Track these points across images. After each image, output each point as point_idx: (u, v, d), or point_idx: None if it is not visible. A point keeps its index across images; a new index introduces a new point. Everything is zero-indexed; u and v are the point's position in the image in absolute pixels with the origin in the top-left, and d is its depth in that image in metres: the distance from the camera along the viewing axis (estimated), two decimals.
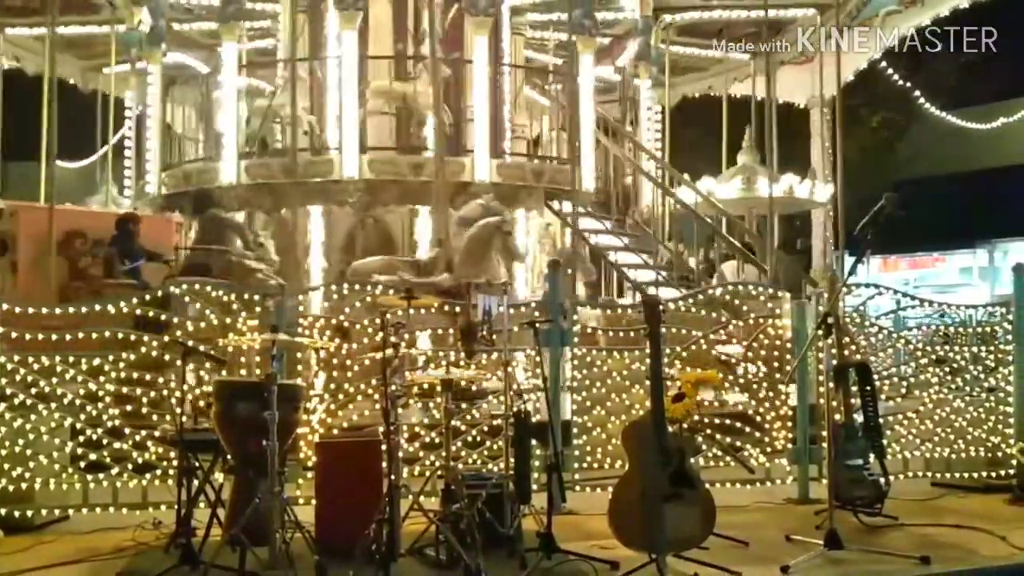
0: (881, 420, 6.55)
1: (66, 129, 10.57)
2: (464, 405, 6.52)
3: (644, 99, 13.56)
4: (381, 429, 5.33)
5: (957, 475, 7.41)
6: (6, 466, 6.12)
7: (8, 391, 6.18)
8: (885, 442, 6.62)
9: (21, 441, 6.14)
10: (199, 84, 13.36)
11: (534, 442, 6.05)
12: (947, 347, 7.57)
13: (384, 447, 5.33)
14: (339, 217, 11.64)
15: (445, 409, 5.45)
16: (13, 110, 14.07)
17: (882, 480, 6.16)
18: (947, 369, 7.48)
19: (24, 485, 6.15)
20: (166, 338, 6.31)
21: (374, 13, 11.93)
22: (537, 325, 5.87)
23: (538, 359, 6.20)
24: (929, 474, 7.47)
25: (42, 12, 13.53)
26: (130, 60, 13.38)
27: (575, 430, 6.79)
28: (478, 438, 6.66)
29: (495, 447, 6.52)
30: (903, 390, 7.53)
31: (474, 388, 6.69)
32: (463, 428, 6.59)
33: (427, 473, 6.20)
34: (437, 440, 6.37)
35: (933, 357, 7.49)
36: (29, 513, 6.12)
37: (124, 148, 14.30)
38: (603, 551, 5.27)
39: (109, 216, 11.36)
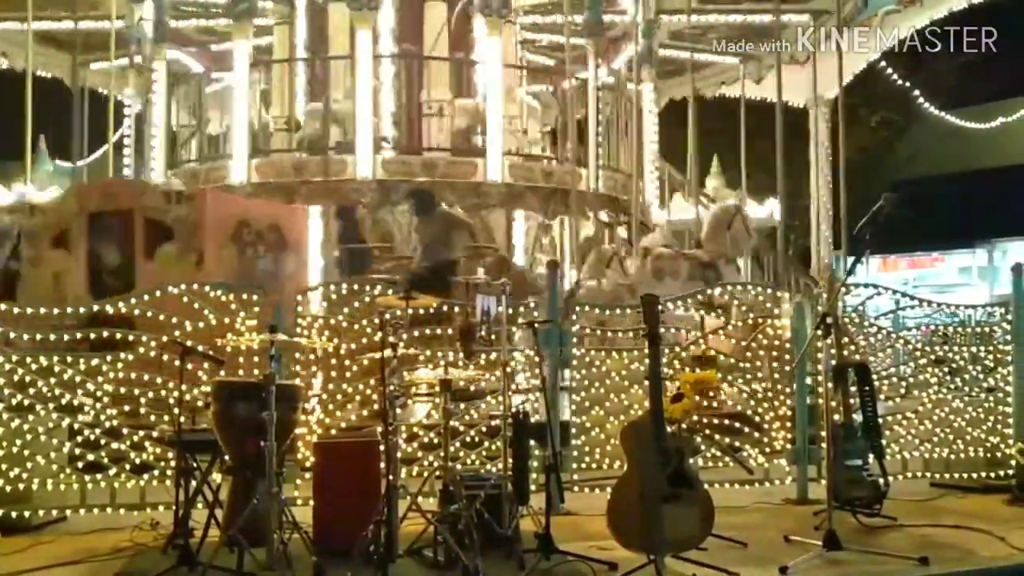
0: (880, 420, 6.54)
1: (61, 128, 10.57)
2: (463, 405, 6.50)
3: (647, 103, 13.56)
4: (379, 430, 5.33)
5: (956, 475, 7.40)
6: (4, 467, 6.10)
7: (6, 391, 6.17)
8: (884, 442, 6.62)
9: (19, 441, 6.13)
10: (190, 82, 13.37)
11: (532, 443, 6.04)
12: (946, 347, 7.56)
13: (382, 448, 5.33)
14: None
15: (444, 409, 5.44)
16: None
17: (881, 480, 6.16)
18: (946, 369, 7.47)
19: (22, 486, 6.14)
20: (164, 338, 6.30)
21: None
22: (536, 325, 5.87)
23: (537, 359, 6.20)
24: (928, 474, 7.46)
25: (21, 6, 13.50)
26: (130, 56, 13.31)
27: (574, 430, 6.78)
28: (476, 439, 6.65)
29: (493, 447, 6.51)
30: (902, 390, 7.52)
31: (472, 388, 6.67)
32: (461, 429, 6.58)
33: (425, 474, 6.20)
34: (435, 440, 6.37)
35: (932, 357, 7.49)
36: (27, 514, 6.11)
37: (123, 146, 14.30)
38: (602, 552, 5.26)
39: (270, 206, 10.50)
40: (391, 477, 5.01)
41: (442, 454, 5.49)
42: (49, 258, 9.13)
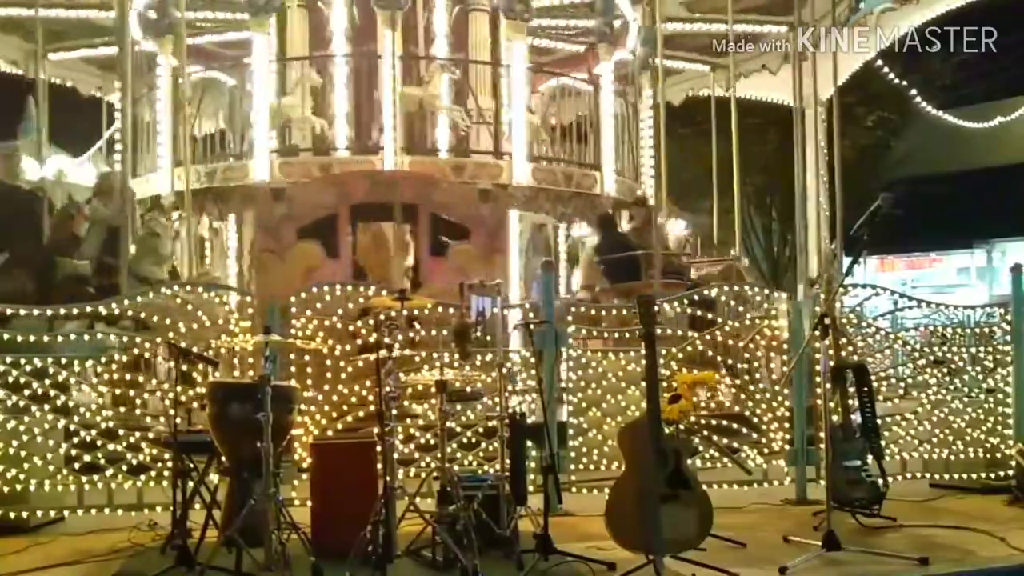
0: (879, 421, 6.53)
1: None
2: (459, 407, 6.49)
3: (645, 108, 13.53)
4: (376, 431, 5.32)
5: (956, 476, 7.40)
6: (1, 468, 6.10)
7: (1, 393, 6.16)
8: (883, 443, 6.61)
9: (15, 443, 6.13)
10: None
11: (530, 443, 6.03)
12: (945, 348, 7.55)
13: (379, 448, 5.32)
14: None
15: (440, 411, 5.43)
16: None
17: (880, 481, 6.15)
18: (946, 370, 7.47)
19: (19, 487, 6.14)
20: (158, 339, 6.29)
21: None
22: (531, 326, 5.86)
23: (533, 360, 6.18)
24: (927, 475, 7.46)
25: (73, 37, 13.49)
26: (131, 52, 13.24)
27: (571, 431, 6.77)
28: (473, 439, 6.64)
29: (491, 448, 6.50)
30: (901, 391, 7.51)
31: (468, 390, 6.66)
32: (458, 430, 6.57)
33: (423, 475, 6.19)
34: (432, 441, 6.36)
35: (931, 358, 7.48)
36: (24, 514, 6.12)
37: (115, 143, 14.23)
38: (600, 552, 5.26)
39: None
40: (388, 478, 5.00)
41: (439, 455, 5.48)
42: (300, 250, 8.27)
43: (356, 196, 8.71)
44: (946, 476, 7.43)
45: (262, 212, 8.76)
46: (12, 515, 6.06)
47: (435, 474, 5.71)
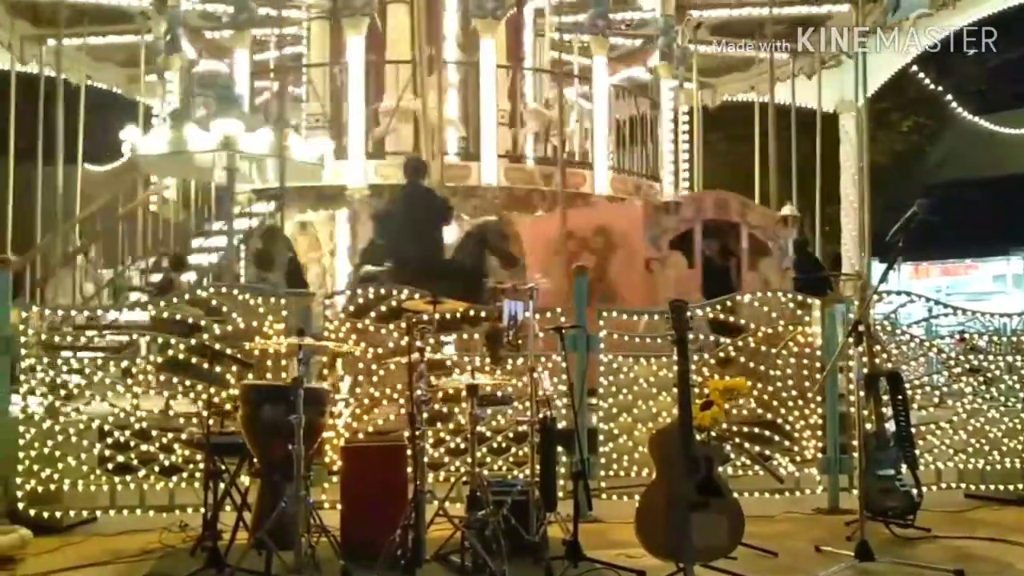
0: (913, 430, 6.45)
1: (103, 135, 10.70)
2: (490, 411, 6.48)
3: (666, 100, 13.45)
4: (406, 434, 5.32)
5: (992, 487, 7.29)
6: (35, 467, 6.18)
7: (38, 392, 6.24)
8: (917, 452, 6.53)
9: (50, 443, 6.20)
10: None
11: (560, 449, 6.01)
12: (980, 356, 7.45)
13: (409, 452, 5.32)
14: None
15: (470, 415, 5.42)
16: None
17: (914, 491, 6.07)
18: (981, 379, 7.36)
19: (53, 486, 6.21)
20: (192, 341, 6.34)
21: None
22: (563, 330, 5.84)
23: (564, 365, 6.17)
24: (963, 485, 7.35)
25: (79, 23, 13.82)
26: (157, 70, 13.55)
27: (601, 437, 6.74)
28: (503, 444, 6.63)
29: (520, 453, 6.49)
30: (935, 399, 7.41)
31: (499, 394, 6.65)
32: (488, 434, 6.56)
33: (452, 479, 6.19)
34: (462, 446, 6.35)
35: (967, 366, 7.38)
36: (58, 514, 6.17)
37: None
38: (629, 560, 5.22)
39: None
40: (418, 482, 4.99)
41: (469, 459, 5.47)
42: (673, 261, 9.59)
43: (706, 213, 9.93)
44: (982, 487, 7.31)
45: (650, 222, 9.80)
46: (46, 514, 6.12)
47: (465, 479, 5.70)
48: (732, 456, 6.73)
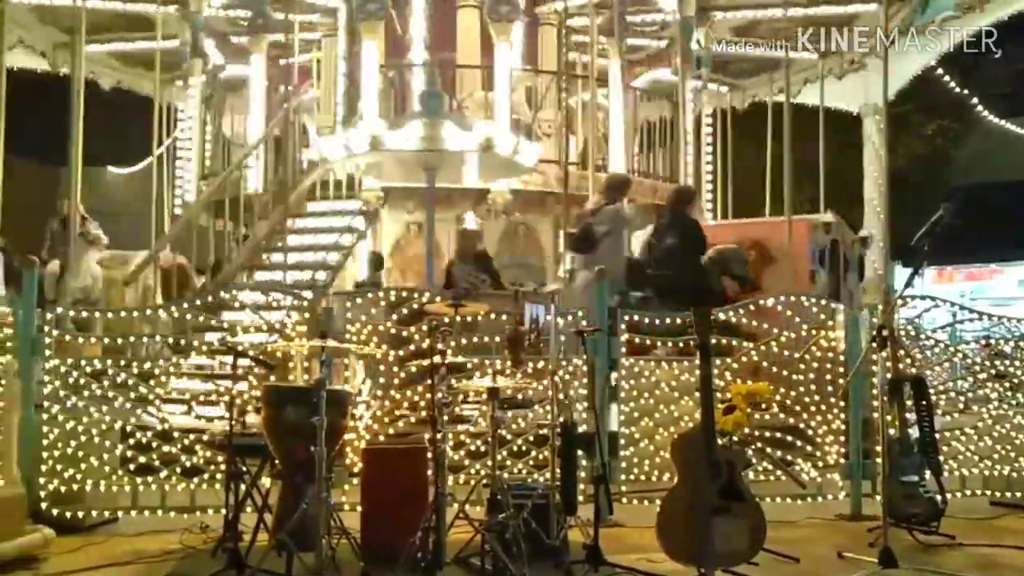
0: (937, 436, 6.38)
1: (128, 138, 10.78)
2: (511, 414, 6.47)
3: (688, 102, 13.38)
4: (427, 436, 5.32)
5: (1018, 494, 7.20)
6: (58, 467, 6.23)
7: (61, 393, 6.28)
8: (942, 458, 6.46)
9: (73, 443, 6.24)
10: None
11: (581, 453, 5.99)
12: (1006, 362, 7.36)
13: (430, 455, 5.31)
14: None
15: (491, 418, 5.42)
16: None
17: (938, 497, 6.01)
18: (1007, 385, 7.28)
19: (75, 487, 6.25)
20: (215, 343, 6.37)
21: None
22: (584, 334, 5.82)
23: (585, 369, 6.14)
24: (988, 492, 7.26)
25: (112, 29, 13.92)
26: (182, 74, 13.65)
27: (622, 441, 6.72)
28: (524, 448, 6.62)
29: (541, 457, 6.47)
30: (960, 405, 7.34)
31: (520, 397, 6.64)
32: (509, 437, 6.55)
33: (472, 482, 6.18)
34: (483, 449, 6.34)
35: (992, 372, 7.30)
36: (80, 514, 6.22)
37: (176, 157, 14.58)
38: (651, 564, 5.21)
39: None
40: (439, 485, 4.99)
41: (489, 463, 5.46)
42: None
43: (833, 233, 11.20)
44: (1007, 494, 7.22)
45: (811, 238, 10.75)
46: (68, 514, 6.16)
47: (485, 482, 5.70)
48: (754, 461, 6.69)
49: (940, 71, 14.81)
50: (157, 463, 6.33)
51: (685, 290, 8.44)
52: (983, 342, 8.03)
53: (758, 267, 10.25)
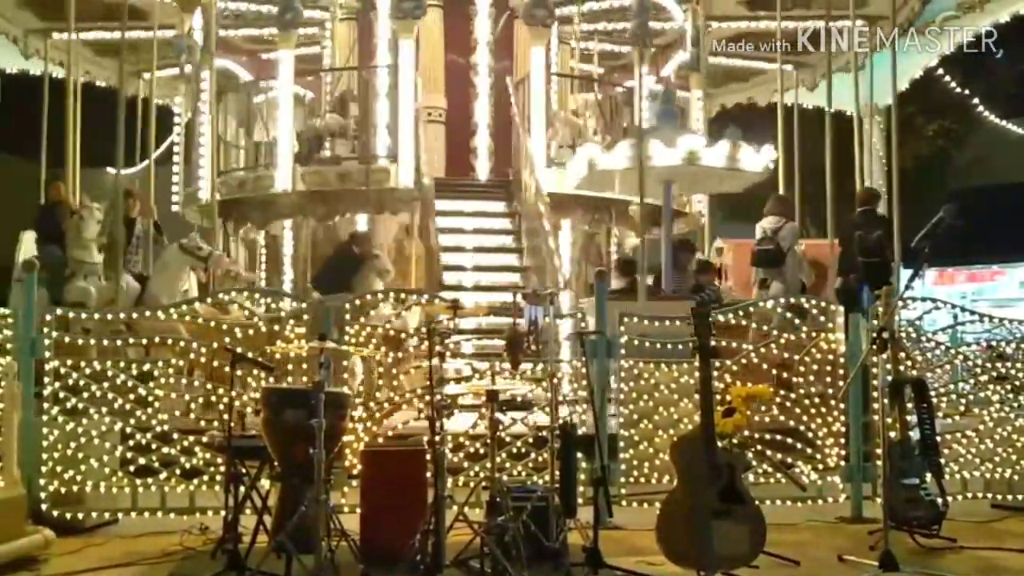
0: (938, 438, 6.37)
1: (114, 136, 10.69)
2: (509, 416, 6.46)
3: (695, 110, 13.42)
4: (426, 438, 5.31)
5: (1019, 497, 7.18)
6: (58, 469, 6.24)
7: (60, 395, 6.28)
8: (943, 461, 6.45)
9: (72, 444, 6.24)
10: (241, 91, 13.50)
11: (580, 455, 5.98)
12: (1008, 364, 7.35)
13: (429, 457, 5.31)
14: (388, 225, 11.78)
15: (490, 420, 5.41)
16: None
17: (939, 500, 5.99)
18: (1008, 387, 7.26)
19: (75, 488, 6.26)
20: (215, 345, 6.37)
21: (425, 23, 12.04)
22: (583, 336, 5.81)
23: (584, 370, 6.13)
24: (989, 495, 7.24)
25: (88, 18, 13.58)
26: (180, 66, 13.40)
27: (622, 443, 6.71)
28: (523, 450, 6.61)
29: (540, 459, 6.46)
30: (961, 407, 7.32)
31: (519, 399, 6.63)
32: (508, 439, 6.54)
33: (472, 484, 6.17)
34: (482, 451, 6.33)
35: (994, 374, 7.28)
36: (80, 515, 6.22)
37: (172, 155, 14.47)
38: (650, 567, 5.20)
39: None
40: (438, 487, 4.98)
41: (488, 465, 5.45)
42: None
43: None
44: (1009, 497, 7.21)
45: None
46: (68, 516, 6.17)
47: (484, 484, 5.69)
48: (754, 463, 6.67)
49: (941, 71, 14.80)
50: (156, 464, 6.32)
51: (889, 275, 9.53)
52: (984, 344, 8.01)
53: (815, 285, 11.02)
